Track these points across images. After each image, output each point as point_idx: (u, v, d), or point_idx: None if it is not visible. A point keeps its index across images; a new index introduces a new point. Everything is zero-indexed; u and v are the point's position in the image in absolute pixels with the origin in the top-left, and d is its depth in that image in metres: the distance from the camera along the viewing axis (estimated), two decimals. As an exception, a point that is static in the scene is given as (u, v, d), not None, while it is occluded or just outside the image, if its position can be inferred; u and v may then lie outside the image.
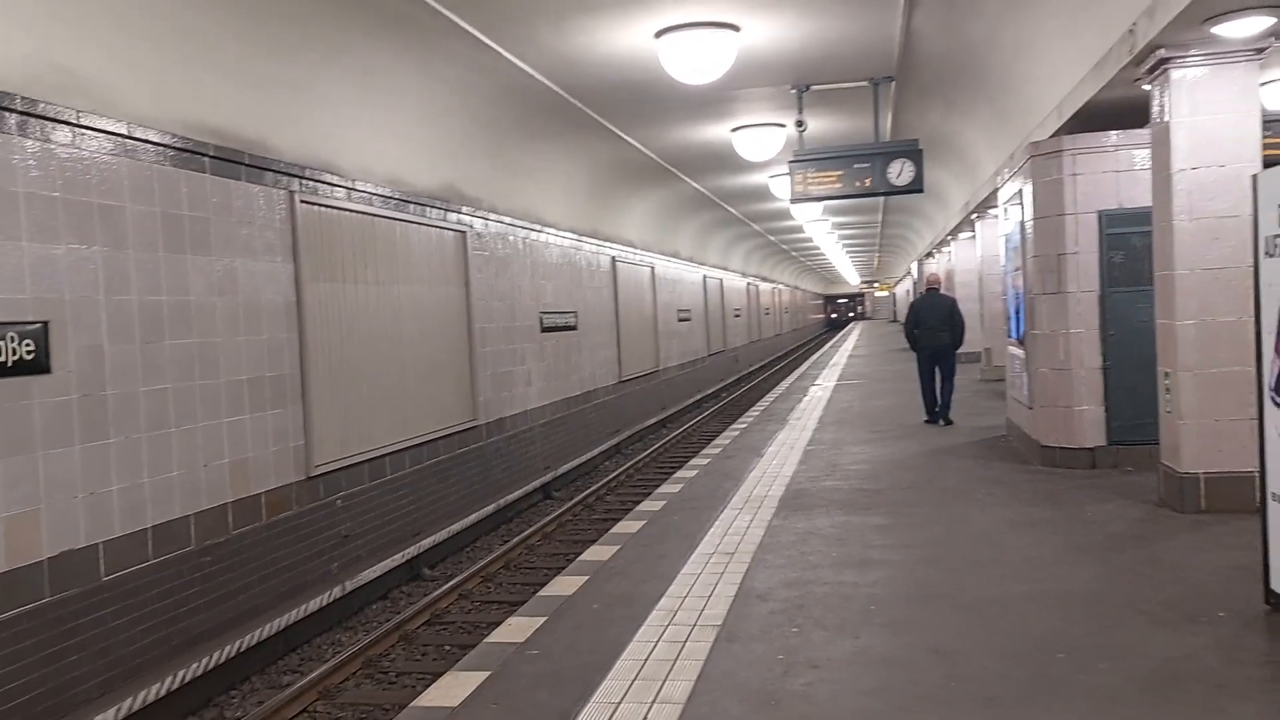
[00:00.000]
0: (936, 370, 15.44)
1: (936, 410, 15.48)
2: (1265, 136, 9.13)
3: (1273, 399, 5.80)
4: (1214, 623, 5.81)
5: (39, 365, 6.72)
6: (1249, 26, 7.39)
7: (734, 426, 16.99)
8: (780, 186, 20.28)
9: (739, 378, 38.06)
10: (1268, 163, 8.80)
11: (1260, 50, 8.03)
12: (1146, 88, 8.65)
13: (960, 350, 15.58)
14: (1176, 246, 8.30)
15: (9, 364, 6.48)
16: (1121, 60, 8.35)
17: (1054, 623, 5.95)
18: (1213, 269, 8.23)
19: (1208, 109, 8.21)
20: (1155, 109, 8.57)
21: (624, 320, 22.15)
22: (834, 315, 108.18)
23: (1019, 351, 12.30)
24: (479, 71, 11.00)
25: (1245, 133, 8.21)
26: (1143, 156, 10.04)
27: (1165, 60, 8.10)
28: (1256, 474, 6.11)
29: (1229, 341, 8.14)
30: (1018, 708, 4.79)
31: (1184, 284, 8.29)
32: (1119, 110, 9.92)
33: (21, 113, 6.68)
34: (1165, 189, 8.42)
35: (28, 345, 6.61)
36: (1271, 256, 5.68)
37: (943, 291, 16.20)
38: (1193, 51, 8.03)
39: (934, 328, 15.25)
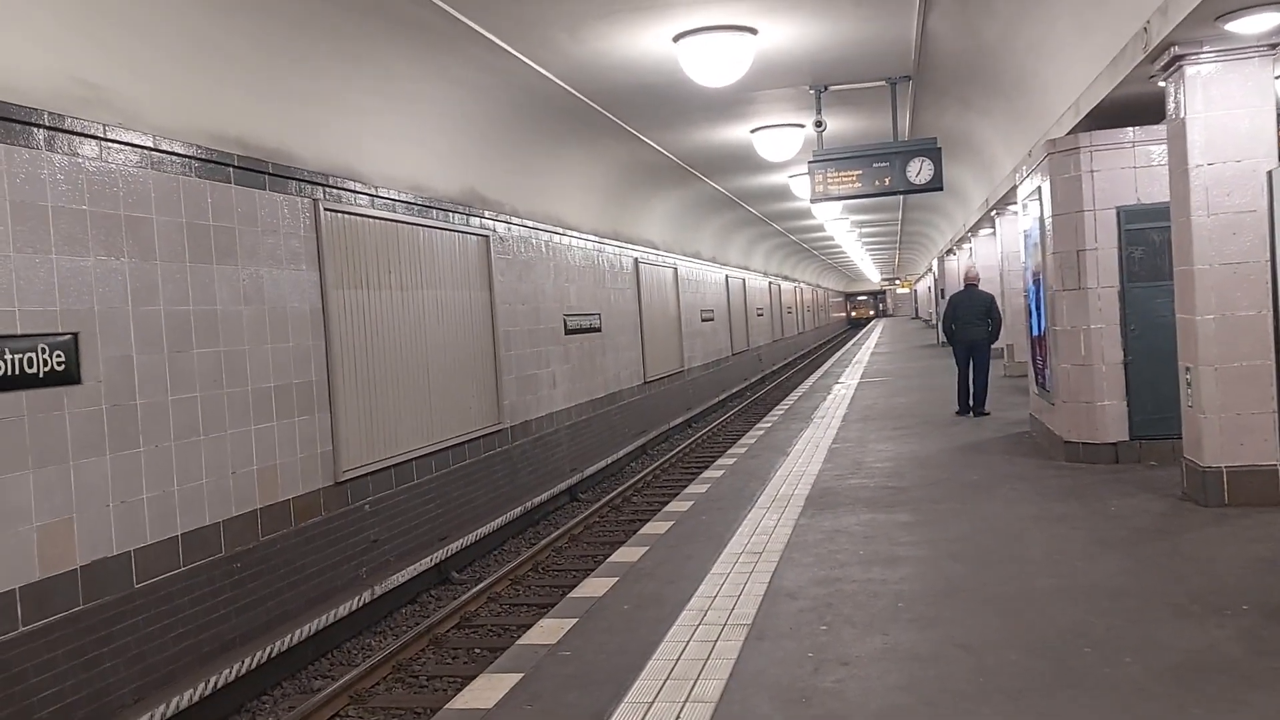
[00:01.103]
0: (971, 363, 15.73)
1: (969, 403, 15.78)
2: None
3: (1293, 392, 5.82)
4: (1237, 615, 5.83)
5: (69, 376, 6.81)
6: (1262, 23, 7.39)
7: (759, 425, 17.03)
8: (800, 186, 20.33)
9: (763, 376, 38.08)
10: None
11: (1274, 45, 8.02)
12: (1162, 84, 8.66)
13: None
14: (1195, 242, 8.29)
15: (40, 375, 6.58)
16: (1136, 58, 8.36)
17: (1079, 616, 5.98)
18: (1231, 264, 8.21)
19: (1223, 104, 8.20)
20: (1171, 105, 8.57)
21: (648, 321, 22.21)
22: (853, 314, 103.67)
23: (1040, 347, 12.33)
24: (498, 76, 11.08)
25: (1260, 128, 8.19)
26: (1160, 152, 10.05)
27: (1179, 57, 8.09)
28: (1278, 467, 6.13)
29: (1249, 336, 8.13)
30: (1045, 700, 4.82)
31: (1203, 279, 8.28)
32: (1136, 107, 9.92)
33: (49, 128, 6.78)
34: (1182, 184, 8.42)
35: (58, 356, 6.72)
36: (1289, 250, 5.70)
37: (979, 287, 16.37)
38: (1206, 48, 8.03)
39: (972, 322, 15.59)
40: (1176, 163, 8.58)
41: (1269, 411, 8.18)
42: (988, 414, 15.63)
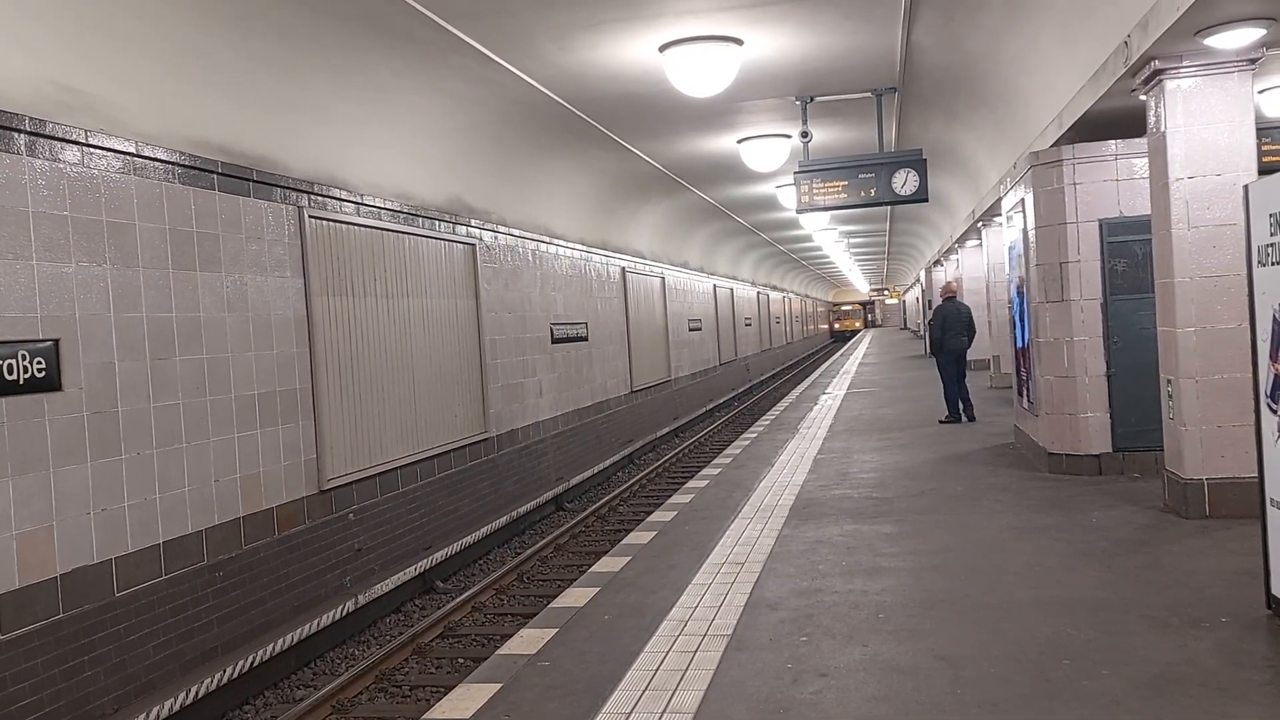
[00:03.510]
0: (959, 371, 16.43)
1: (961, 409, 16.38)
2: (1265, 144, 9.17)
3: (1269, 405, 5.85)
4: (1216, 627, 5.86)
5: (50, 383, 6.80)
6: (1240, 38, 7.46)
7: (745, 436, 17.03)
8: (787, 196, 20.35)
9: (750, 386, 38.09)
10: (1268, 170, 8.87)
11: (1253, 60, 8.10)
12: (1143, 98, 8.72)
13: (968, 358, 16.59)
14: (1176, 254, 8.35)
15: (20, 382, 6.56)
16: (1117, 72, 8.42)
17: (1058, 628, 5.99)
18: (1212, 276, 8.28)
19: (1203, 119, 8.28)
20: (1152, 119, 8.64)
21: (635, 330, 22.21)
22: (837, 325, 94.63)
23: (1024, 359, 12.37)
24: (485, 86, 11.09)
25: (1240, 142, 8.27)
26: (1142, 165, 10.11)
27: (1160, 71, 8.17)
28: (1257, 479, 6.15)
29: (1229, 348, 8.19)
30: (1022, 712, 4.84)
31: (1184, 291, 8.35)
32: (1118, 120, 9.98)
33: (30, 133, 6.77)
34: (1163, 198, 8.48)
35: (39, 363, 6.70)
36: (1264, 265, 5.73)
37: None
38: (1186, 63, 8.10)
39: (960, 332, 16.26)
40: (1157, 176, 8.63)
41: (1249, 424, 8.19)
42: (975, 420, 16.20)
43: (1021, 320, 12.43)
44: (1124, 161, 10.45)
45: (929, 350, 17.07)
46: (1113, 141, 10.48)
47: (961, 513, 9.49)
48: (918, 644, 5.90)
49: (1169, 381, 8.69)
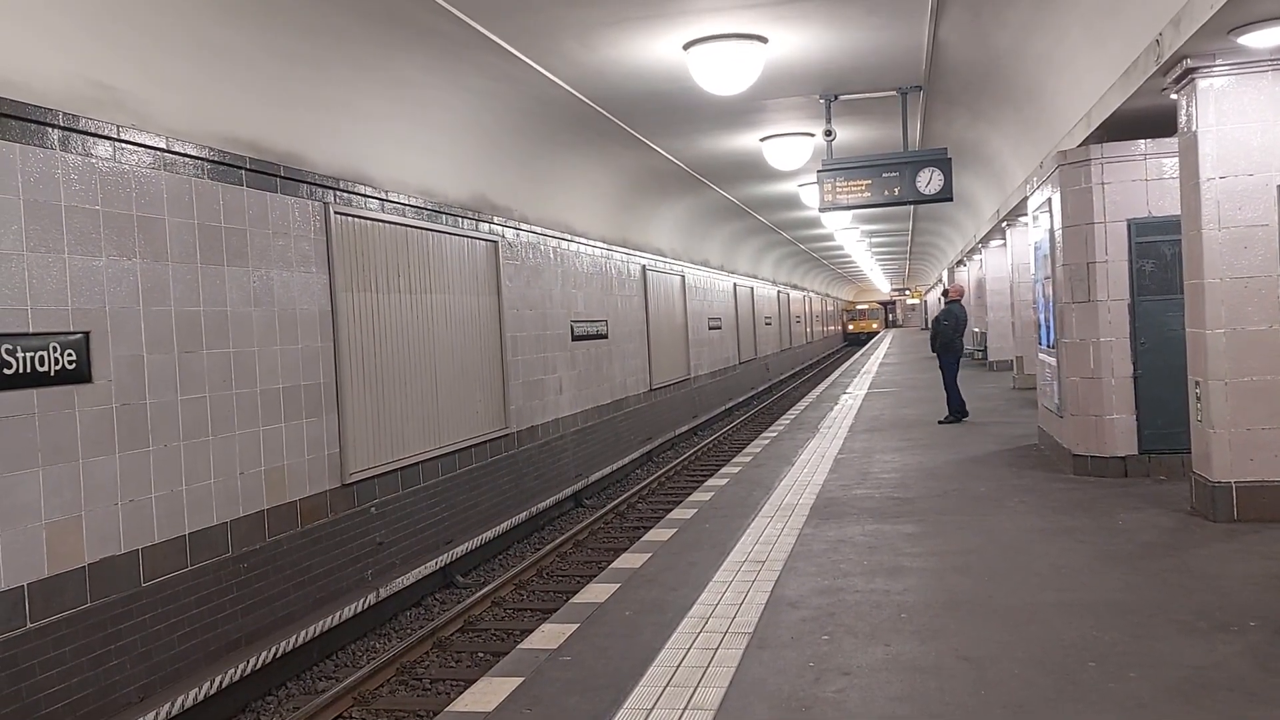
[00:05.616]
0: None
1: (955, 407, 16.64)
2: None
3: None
4: (1245, 631, 5.81)
5: (80, 375, 6.85)
6: (1275, 36, 7.38)
7: (765, 435, 16.99)
8: (810, 195, 20.32)
9: (769, 386, 38.04)
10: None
11: (1288, 60, 8.04)
12: (1174, 97, 8.66)
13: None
14: (1206, 255, 8.28)
15: (51, 373, 6.61)
16: (1148, 70, 8.36)
17: (1084, 630, 5.95)
18: (1242, 278, 8.21)
19: (1235, 118, 8.21)
20: (1183, 118, 8.57)
21: (654, 329, 22.21)
22: (850, 327, 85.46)
23: (1050, 359, 12.28)
24: (508, 83, 11.10)
25: (1273, 141, 8.18)
26: (1172, 165, 10.04)
27: (1192, 70, 8.10)
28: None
29: (1260, 350, 8.12)
30: (1047, 714, 4.80)
31: (1213, 293, 8.28)
32: (1148, 119, 9.91)
33: (64, 128, 6.82)
34: (1194, 198, 8.42)
35: (70, 355, 6.75)
36: (1298, 266, 5.68)
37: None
38: (1219, 61, 8.03)
39: (963, 332, 16.66)
40: (1188, 176, 8.57)
41: (1279, 427, 8.16)
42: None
43: (1047, 321, 12.38)
44: (1153, 161, 10.38)
45: (934, 349, 17.09)
46: (1142, 141, 10.41)
47: (985, 514, 9.44)
48: (941, 644, 5.87)
49: (1197, 384, 8.63)
